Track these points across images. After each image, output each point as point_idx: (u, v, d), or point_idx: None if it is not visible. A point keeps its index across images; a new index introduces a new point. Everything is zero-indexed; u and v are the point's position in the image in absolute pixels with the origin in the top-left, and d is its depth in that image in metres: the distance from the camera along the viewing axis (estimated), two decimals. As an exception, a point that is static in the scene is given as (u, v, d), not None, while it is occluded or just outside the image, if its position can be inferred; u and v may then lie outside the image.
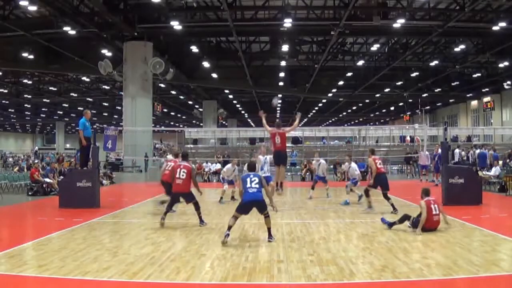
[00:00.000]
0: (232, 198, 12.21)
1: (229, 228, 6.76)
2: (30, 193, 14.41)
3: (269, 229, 6.97)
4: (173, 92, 39.94)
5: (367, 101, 47.08)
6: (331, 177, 21.59)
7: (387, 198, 9.70)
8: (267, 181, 11.45)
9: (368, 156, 10.54)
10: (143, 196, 13.71)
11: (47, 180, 14.81)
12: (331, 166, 21.82)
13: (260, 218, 9.36)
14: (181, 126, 64.77)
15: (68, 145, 69.88)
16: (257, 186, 6.89)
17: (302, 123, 64.42)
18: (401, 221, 7.63)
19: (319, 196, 12.84)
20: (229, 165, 12.60)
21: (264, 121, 10.34)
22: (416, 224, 7.32)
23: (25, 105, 50.39)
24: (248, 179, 6.96)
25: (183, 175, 8.21)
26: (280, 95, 43.51)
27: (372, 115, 60.60)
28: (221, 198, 12.13)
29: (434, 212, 7.32)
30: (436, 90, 38.73)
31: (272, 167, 12.17)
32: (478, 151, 18.74)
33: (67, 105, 50.76)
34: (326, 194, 12.71)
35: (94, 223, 8.69)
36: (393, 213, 9.24)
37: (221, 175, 13.72)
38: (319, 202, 12.03)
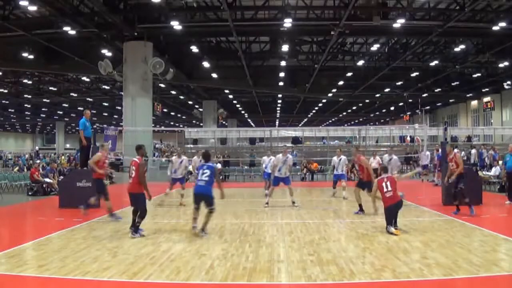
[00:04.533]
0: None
1: (195, 220, 7.27)
2: (30, 193, 14.41)
3: (205, 224, 7.28)
4: (173, 92, 39.92)
5: (367, 101, 47.05)
6: (331, 177, 21.62)
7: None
8: (285, 183, 11.20)
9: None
10: (143, 196, 13.72)
11: (47, 180, 14.81)
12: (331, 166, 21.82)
13: (260, 218, 9.40)
14: (181, 126, 64.73)
15: (68, 145, 69.91)
16: (206, 179, 7.08)
17: (302, 123, 64.57)
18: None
19: (319, 196, 12.82)
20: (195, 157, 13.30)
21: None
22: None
23: (25, 105, 50.37)
24: (201, 171, 7.14)
25: (132, 173, 7.46)
26: (280, 95, 43.66)
27: (372, 115, 60.58)
28: None
29: (385, 190, 7.45)
30: (436, 90, 38.69)
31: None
32: (473, 150, 18.86)
33: (67, 105, 50.72)
34: (341, 195, 12.27)
35: (94, 223, 8.69)
36: None
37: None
38: (319, 202, 12.02)
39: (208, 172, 7.08)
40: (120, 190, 14.20)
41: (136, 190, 7.35)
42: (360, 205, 9.70)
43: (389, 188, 7.40)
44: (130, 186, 7.44)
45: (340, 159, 12.74)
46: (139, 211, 7.36)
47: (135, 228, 7.27)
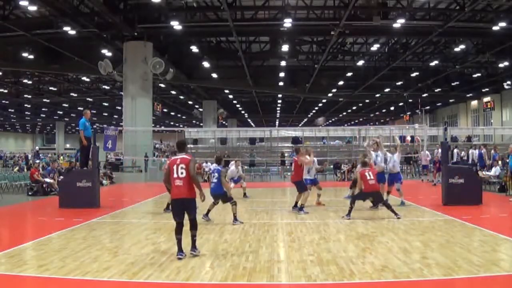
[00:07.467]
0: (244, 195, 13.23)
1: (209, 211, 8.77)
2: (30, 193, 14.40)
3: (234, 215, 8.49)
4: (173, 92, 39.95)
5: (367, 101, 47.07)
6: (332, 177, 21.63)
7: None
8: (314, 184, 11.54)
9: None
10: (143, 196, 13.72)
11: (47, 180, 14.80)
12: (331, 166, 21.84)
13: (260, 218, 9.41)
14: (181, 126, 64.74)
15: (68, 145, 69.91)
16: (215, 181, 8.55)
17: (302, 123, 64.55)
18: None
19: (319, 196, 12.79)
20: (232, 167, 13.23)
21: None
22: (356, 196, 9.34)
23: (25, 105, 50.42)
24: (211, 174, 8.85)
25: (182, 173, 5.85)
26: (280, 95, 43.66)
27: (372, 115, 60.59)
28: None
29: (368, 178, 8.86)
30: (436, 90, 38.71)
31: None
32: (472, 150, 18.88)
33: (67, 105, 50.77)
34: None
35: (94, 223, 8.69)
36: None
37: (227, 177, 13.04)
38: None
39: (217, 175, 8.56)
40: (120, 190, 14.22)
41: (189, 195, 5.83)
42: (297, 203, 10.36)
43: (372, 177, 8.89)
44: (180, 190, 5.80)
45: (377, 155, 10.57)
46: (191, 221, 5.90)
47: (193, 244, 5.94)
